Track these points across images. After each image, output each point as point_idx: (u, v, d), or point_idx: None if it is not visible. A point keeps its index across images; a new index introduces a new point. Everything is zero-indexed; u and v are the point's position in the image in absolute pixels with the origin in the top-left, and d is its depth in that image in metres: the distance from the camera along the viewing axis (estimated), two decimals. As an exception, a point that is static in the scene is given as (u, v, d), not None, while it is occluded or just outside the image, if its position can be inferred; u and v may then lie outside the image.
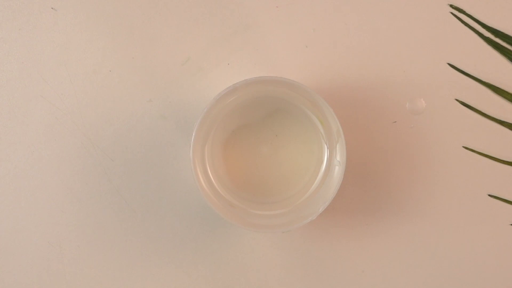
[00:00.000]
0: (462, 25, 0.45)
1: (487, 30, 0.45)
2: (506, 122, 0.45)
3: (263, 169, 0.43)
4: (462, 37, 0.45)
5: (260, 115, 0.42)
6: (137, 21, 0.45)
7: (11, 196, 0.44)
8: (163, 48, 0.45)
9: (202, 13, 0.45)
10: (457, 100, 0.46)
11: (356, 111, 0.45)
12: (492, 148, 0.45)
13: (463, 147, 0.45)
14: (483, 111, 0.45)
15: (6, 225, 0.44)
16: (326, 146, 0.42)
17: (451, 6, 0.45)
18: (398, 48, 0.45)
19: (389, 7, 0.45)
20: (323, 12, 0.45)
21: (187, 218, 0.45)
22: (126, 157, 0.45)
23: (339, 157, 0.40)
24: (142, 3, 0.45)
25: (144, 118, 0.45)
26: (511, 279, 0.45)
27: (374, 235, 0.46)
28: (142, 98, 0.45)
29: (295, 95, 0.41)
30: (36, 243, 0.45)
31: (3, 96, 0.44)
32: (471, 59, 0.45)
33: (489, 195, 0.45)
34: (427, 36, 0.45)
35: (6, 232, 0.45)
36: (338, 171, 0.40)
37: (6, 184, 0.44)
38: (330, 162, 0.42)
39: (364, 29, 0.45)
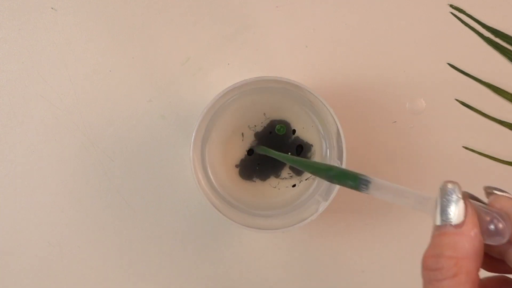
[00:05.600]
0: (462, 25, 0.45)
1: (487, 30, 0.45)
2: (506, 122, 0.45)
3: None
4: (462, 37, 0.45)
5: (259, 115, 0.42)
6: (137, 21, 0.45)
7: (11, 196, 0.44)
8: (163, 48, 0.45)
9: (202, 13, 0.45)
10: (457, 100, 0.46)
11: (356, 111, 0.45)
12: (492, 148, 0.45)
13: (463, 147, 0.45)
14: (483, 111, 0.45)
15: (6, 225, 0.44)
16: (326, 146, 0.42)
17: (451, 6, 0.45)
18: (398, 48, 0.45)
19: (389, 7, 0.45)
20: (323, 12, 0.45)
21: (187, 218, 0.45)
22: (126, 157, 0.45)
23: (339, 157, 0.40)
24: (142, 3, 0.45)
25: (144, 118, 0.45)
26: (511, 279, 0.45)
27: (374, 235, 0.46)
28: (142, 98, 0.45)
29: (295, 95, 0.41)
30: (36, 243, 0.45)
31: (3, 96, 0.44)
32: (471, 59, 0.45)
33: (489, 195, 0.45)
34: (427, 36, 0.45)
35: (6, 232, 0.45)
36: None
37: (6, 184, 0.44)
38: (330, 162, 0.42)
39: (364, 29, 0.45)
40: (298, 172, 0.43)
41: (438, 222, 0.26)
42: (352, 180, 0.29)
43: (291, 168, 0.43)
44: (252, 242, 0.45)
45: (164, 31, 0.45)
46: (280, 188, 0.43)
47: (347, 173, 0.29)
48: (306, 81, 0.45)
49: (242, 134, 0.42)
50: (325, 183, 0.42)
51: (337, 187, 0.39)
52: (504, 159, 0.45)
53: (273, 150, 0.40)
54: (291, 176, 0.43)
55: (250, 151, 0.42)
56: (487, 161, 0.45)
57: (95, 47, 0.45)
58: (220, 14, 0.45)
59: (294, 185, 0.43)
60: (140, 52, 0.45)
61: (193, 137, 0.39)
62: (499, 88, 0.45)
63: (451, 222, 0.26)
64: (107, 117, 0.45)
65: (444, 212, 0.26)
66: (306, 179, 0.43)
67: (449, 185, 0.26)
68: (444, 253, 0.26)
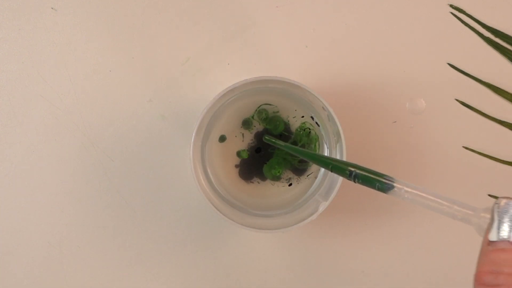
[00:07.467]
0: (462, 25, 0.45)
1: (487, 30, 0.45)
2: (506, 122, 0.45)
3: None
4: (462, 37, 0.45)
5: (259, 115, 0.42)
6: (137, 21, 0.45)
7: (11, 196, 0.44)
8: (163, 48, 0.45)
9: (202, 13, 0.45)
10: (457, 100, 0.46)
11: (356, 111, 0.45)
12: (492, 148, 0.45)
13: (463, 147, 0.45)
14: (483, 111, 0.45)
15: (6, 225, 0.44)
16: (326, 146, 0.42)
17: (451, 6, 0.45)
18: (398, 48, 0.45)
19: (389, 7, 0.45)
20: (323, 12, 0.45)
21: (187, 218, 0.45)
22: (126, 157, 0.45)
23: (339, 157, 0.40)
24: (142, 3, 0.45)
25: (144, 118, 0.45)
26: (511, 279, 0.45)
27: (374, 235, 0.46)
28: (142, 98, 0.45)
29: (295, 95, 0.41)
30: (36, 243, 0.45)
31: (3, 96, 0.44)
32: (471, 59, 0.45)
33: (489, 195, 0.45)
34: (427, 36, 0.45)
35: (6, 232, 0.45)
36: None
37: (6, 184, 0.44)
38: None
39: (364, 29, 0.45)
40: (298, 173, 0.43)
41: (494, 238, 0.26)
42: (380, 183, 0.30)
43: (291, 168, 0.43)
44: (252, 242, 0.45)
45: (164, 31, 0.45)
46: (279, 188, 0.43)
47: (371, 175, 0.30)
48: (306, 81, 0.45)
49: (242, 134, 0.42)
50: (325, 183, 0.42)
51: (337, 187, 0.39)
52: (504, 159, 0.45)
53: (290, 145, 0.39)
54: (290, 178, 0.43)
55: (258, 149, 0.42)
56: (487, 161, 0.45)
57: (95, 47, 0.45)
58: (220, 14, 0.45)
59: (290, 184, 0.43)
60: (140, 52, 0.45)
61: (193, 137, 0.39)
62: (499, 88, 0.45)
63: (508, 238, 0.26)
64: (107, 117, 0.45)
65: (501, 228, 0.26)
66: (307, 176, 0.43)
67: (505, 201, 0.27)
68: (503, 270, 0.26)
